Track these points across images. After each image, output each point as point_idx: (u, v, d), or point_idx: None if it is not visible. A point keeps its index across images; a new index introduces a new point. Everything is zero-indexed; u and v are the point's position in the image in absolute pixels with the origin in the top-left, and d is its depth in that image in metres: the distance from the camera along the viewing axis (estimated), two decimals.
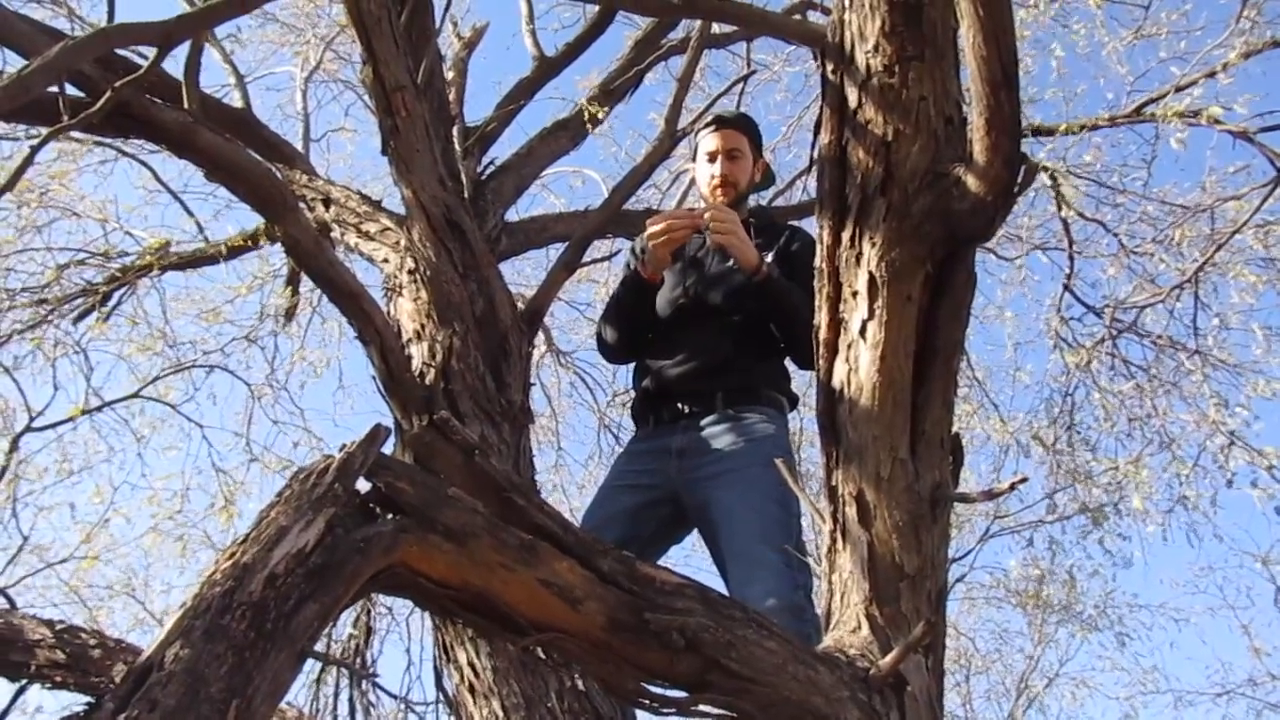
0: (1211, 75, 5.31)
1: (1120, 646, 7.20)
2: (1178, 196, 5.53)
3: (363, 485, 1.20)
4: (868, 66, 1.39)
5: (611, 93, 5.35)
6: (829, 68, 1.48)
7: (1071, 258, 5.73)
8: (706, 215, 2.46)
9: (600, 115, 4.49)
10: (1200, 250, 5.12)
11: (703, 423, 2.50)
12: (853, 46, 1.42)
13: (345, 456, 1.12)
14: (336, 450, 1.15)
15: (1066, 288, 5.65)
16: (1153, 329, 4.58)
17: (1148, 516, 4.45)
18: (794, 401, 2.68)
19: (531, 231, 4.87)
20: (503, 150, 4.99)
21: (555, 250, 6.31)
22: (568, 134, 5.23)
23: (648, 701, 1.41)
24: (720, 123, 2.72)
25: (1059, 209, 5.65)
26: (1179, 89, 5.30)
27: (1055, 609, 7.01)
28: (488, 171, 4.73)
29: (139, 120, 2.21)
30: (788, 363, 2.66)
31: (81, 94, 2.49)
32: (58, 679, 3.05)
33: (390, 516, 1.19)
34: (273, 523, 1.03)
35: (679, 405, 2.56)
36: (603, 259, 5.61)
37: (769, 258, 2.59)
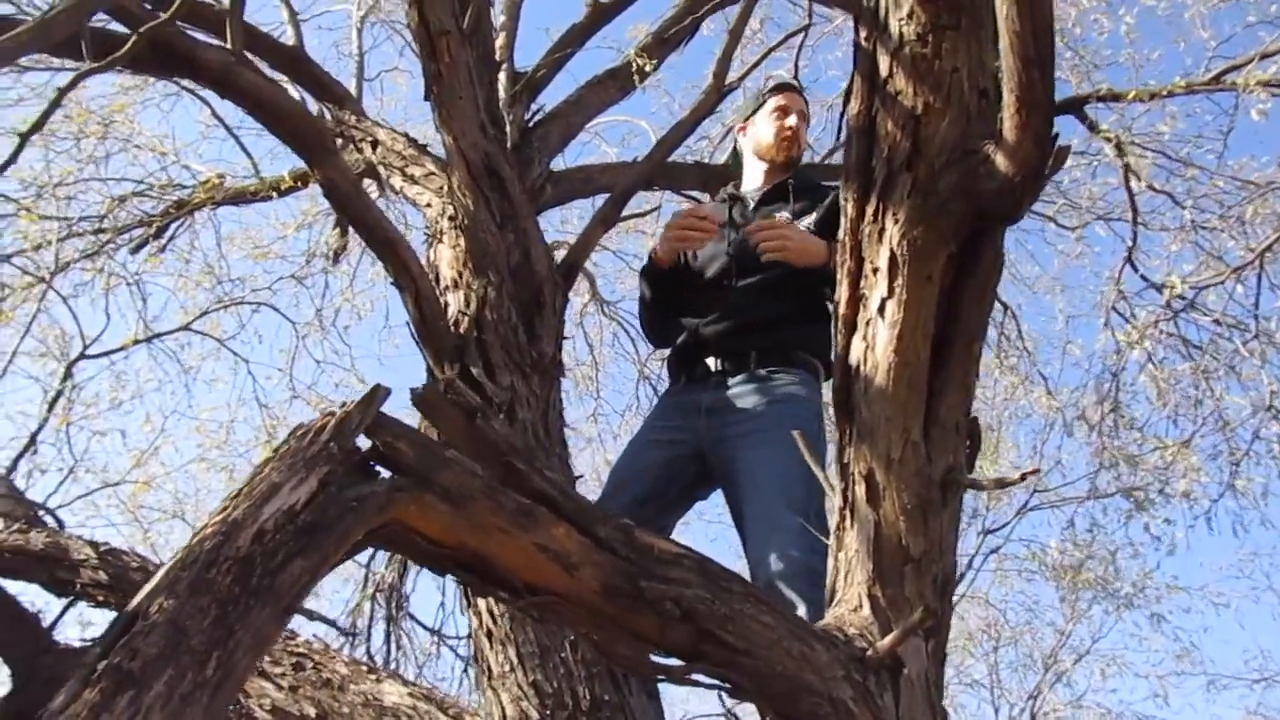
0: None
1: (1155, 626, 7.09)
2: (1252, 172, 5.28)
3: (365, 443, 1.22)
4: (900, 34, 1.34)
5: (665, 41, 5.23)
6: (863, 33, 1.42)
7: (1135, 230, 5.52)
8: (752, 238, 2.45)
9: (648, 68, 4.39)
10: (1272, 228, 4.89)
11: (734, 381, 2.48)
12: (887, 12, 1.36)
13: (342, 416, 1.13)
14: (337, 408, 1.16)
15: (1129, 260, 5.45)
16: (1212, 308, 4.41)
17: (1195, 502, 4.33)
18: (830, 369, 2.64)
19: (577, 182, 4.83)
20: (551, 97, 4.94)
21: (601, 201, 6.28)
22: (617, 83, 5.14)
23: (639, 667, 1.42)
24: (792, 88, 2.78)
25: (1125, 179, 5.43)
26: (1264, 56, 5.02)
27: (1091, 585, 6.92)
28: (536, 118, 4.69)
29: (181, 58, 2.21)
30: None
31: (125, 28, 2.51)
32: (100, 598, 3.20)
33: (388, 475, 1.20)
34: (265, 479, 1.04)
35: (712, 362, 2.54)
36: (646, 212, 5.55)
37: (812, 219, 2.54)
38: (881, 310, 1.46)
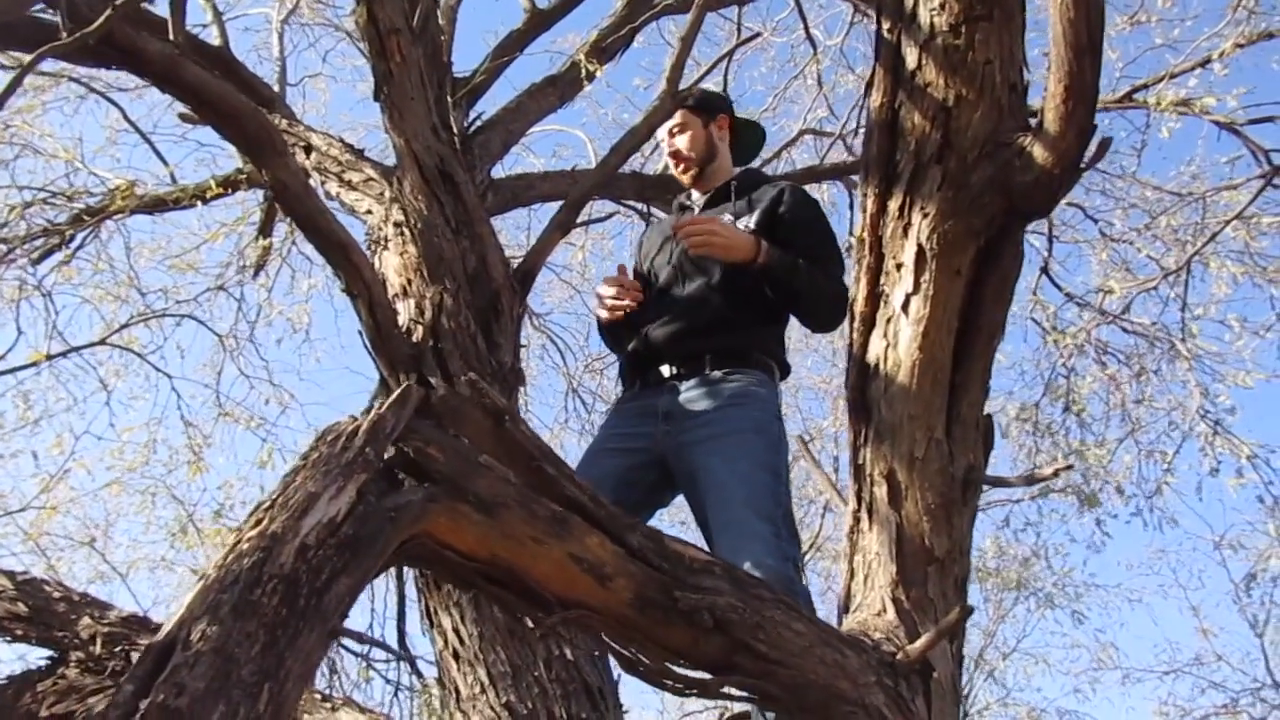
0: (1204, 64, 5.30)
1: (1077, 624, 7.34)
2: (1160, 185, 5.54)
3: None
4: (931, 25, 1.32)
5: (603, 51, 5.20)
6: (885, 25, 1.40)
7: (1051, 241, 5.73)
8: (678, 234, 2.40)
9: (598, 72, 4.34)
10: (1181, 241, 5.14)
11: (689, 384, 2.40)
12: (915, 3, 1.34)
13: (376, 419, 1.04)
14: (362, 412, 1.07)
15: (1044, 271, 5.65)
16: (1138, 315, 4.59)
17: (1129, 501, 4.51)
18: (786, 369, 2.60)
19: (518, 189, 4.74)
20: (489, 105, 4.84)
21: (538, 209, 6.18)
22: (556, 91, 5.08)
23: (671, 682, 1.35)
24: (677, 99, 2.73)
25: None
26: (1173, 76, 5.28)
27: (1014, 585, 7.13)
28: (475, 126, 4.58)
29: (123, 50, 2.05)
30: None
31: (65, 21, 2.31)
32: (18, 632, 2.92)
33: (417, 483, 1.11)
34: (300, 488, 0.94)
35: (666, 368, 2.47)
36: (601, 219, 5.50)
37: (754, 220, 2.50)
38: (905, 306, 1.43)
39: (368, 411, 1.09)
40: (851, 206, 5.92)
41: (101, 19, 1.43)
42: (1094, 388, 4.49)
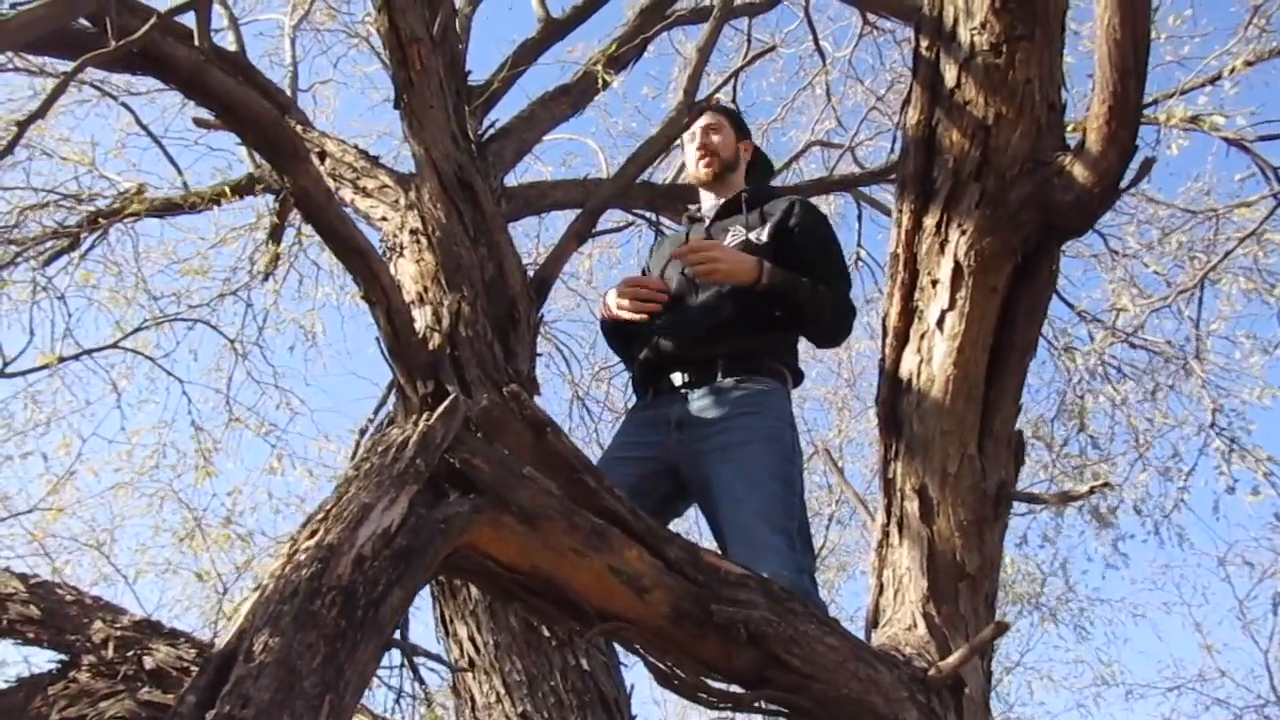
0: (1214, 81, 5.32)
1: (1081, 639, 7.33)
2: (1170, 202, 5.56)
3: None
4: (972, 44, 1.32)
5: (614, 60, 5.22)
6: (923, 43, 1.41)
7: (1058, 258, 5.73)
8: (681, 260, 2.40)
9: (615, 83, 4.36)
10: (1191, 257, 5.15)
11: (701, 393, 2.39)
12: (955, 22, 1.35)
13: (426, 430, 1.04)
14: (413, 424, 1.07)
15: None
16: (1150, 331, 4.60)
17: (1145, 520, 4.51)
18: (799, 376, 2.60)
19: (531, 197, 4.75)
20: (501, 113, 4.86)
21: (548, 218, 6.21)
22: (569, 100, 5.10)
23: (706, 696, 1.35)
24: (702, 109, 2.76)
25: None
26: (1183, 92, 5.29)
27: (1031, 600, 7.13)
28: (488, 134, 4.60)
29: (149, 56, 2.06)
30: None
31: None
32: (30, 635, 2.91)
33: (461, 494, 1.11)
34: (354, 499, 0.94)
35: (677, 377, 2.47)
36: (596, 232, 5.50)
37: (765, 233, 2.51)
38: (940, 323, 1.44)
39: (412, 421, 1.09)
40: (860, 218, 5.95)
41: (145, 28, 1.44)
42: (1106, 406, 4.49)
